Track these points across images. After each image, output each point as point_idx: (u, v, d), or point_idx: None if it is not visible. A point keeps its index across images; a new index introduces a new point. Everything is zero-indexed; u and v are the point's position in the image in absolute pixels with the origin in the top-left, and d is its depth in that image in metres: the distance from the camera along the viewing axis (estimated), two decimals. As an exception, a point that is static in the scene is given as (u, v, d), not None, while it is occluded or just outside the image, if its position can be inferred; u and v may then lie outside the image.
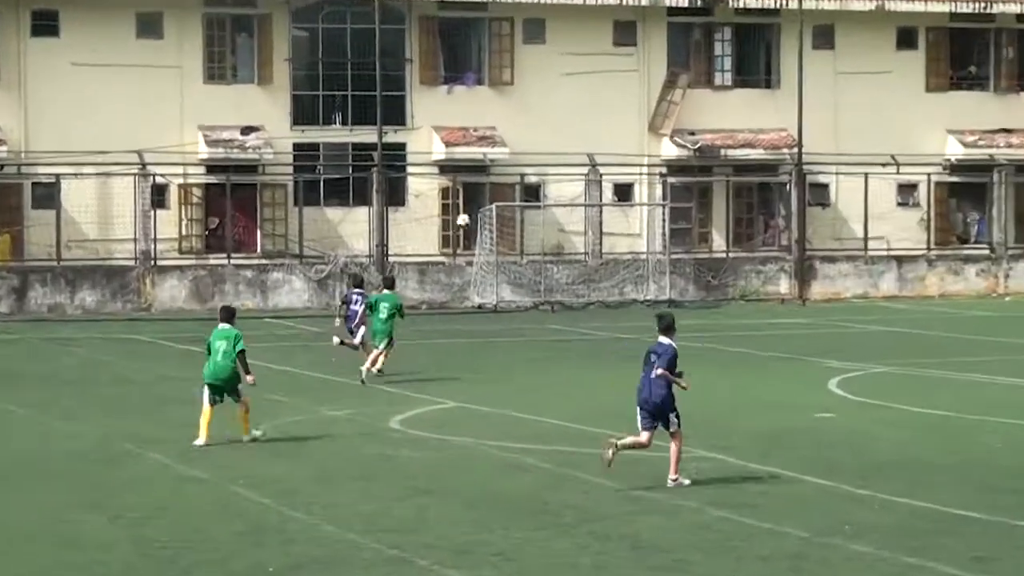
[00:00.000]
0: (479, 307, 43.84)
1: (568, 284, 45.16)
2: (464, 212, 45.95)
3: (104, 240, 43.73)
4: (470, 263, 44.84)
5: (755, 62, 49.44)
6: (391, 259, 44.55)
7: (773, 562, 13.10)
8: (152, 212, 43.40)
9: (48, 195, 43.48)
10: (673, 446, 16.58)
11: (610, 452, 16.47)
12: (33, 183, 43.71)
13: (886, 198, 48.77)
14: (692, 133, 47.71)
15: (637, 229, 47.26)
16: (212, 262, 44.12)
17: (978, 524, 14.44)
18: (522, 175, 46.41)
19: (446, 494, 16.21)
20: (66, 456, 18.91)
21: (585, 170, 46.41)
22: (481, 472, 17.51)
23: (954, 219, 50.48)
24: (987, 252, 49.17)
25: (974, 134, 49.45)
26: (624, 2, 46.86)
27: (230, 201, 44.70)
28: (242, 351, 19.55)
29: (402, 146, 46.37)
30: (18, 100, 43.57)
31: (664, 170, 47.98)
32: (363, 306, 27.10)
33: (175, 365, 29.22)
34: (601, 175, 46.57)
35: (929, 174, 48.93)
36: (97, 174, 43.54)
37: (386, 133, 44.76)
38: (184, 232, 44.65)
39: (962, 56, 50.44)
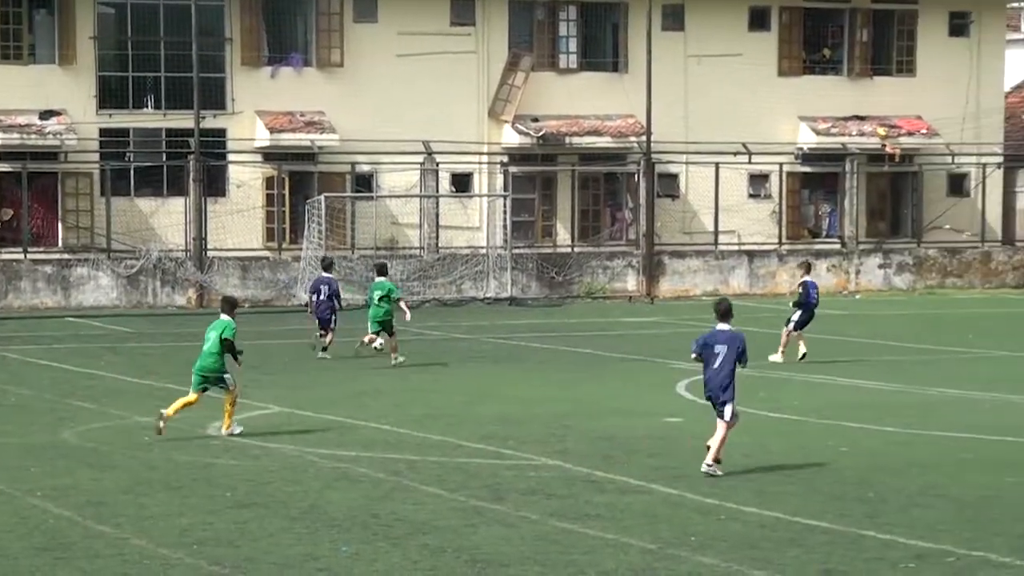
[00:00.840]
0: (306, 305, 43.55)
1: (402, 280, 45.12)
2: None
3: None
4: (297, 258, 44.62)
5: (602, 44, 49.91)
6: (210, 253, 44.15)
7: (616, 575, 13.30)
8: (-63, 202, 42.51)
9: None
10: (720, 429, 17.90)
11: (714, 468, 17.79)
12: None
13: (737, 189, 49.61)
14: (535, 119, 48.04)
15: (476, 222, 47.44)
16: (6, 257, 43.27)
17: (826, 534, 14.80)
18: (353, 164, 46.30)
19: (269, 505, 16.16)
20: None
21: (421, 159, 46.46)
22: (306, 482, 17.49)
23: (806, 211, 51.52)
24: (838, 246, 50.26)
25: (827, 121, 50.53)
26: (462, -21, 47.15)
27: (27, 191, 43.86)
28: (226, 339, 20.66)
29: (222, 132, 45.96)
30: None
31: (505, 159, 48.23)
32: (328, 295, 30.35)
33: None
34: (438, 164, 46.66)
35: (781, 164, 49.87)
36: None
37: (204, 118, 44.33)
38: (-27, 225, 43.82)
39: (816, 39, 51.52)
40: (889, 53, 51.87)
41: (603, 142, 48.41)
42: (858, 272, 49.22)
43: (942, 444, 20.31)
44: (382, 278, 30.01)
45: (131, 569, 13.44)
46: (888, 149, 50.22)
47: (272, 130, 45.57)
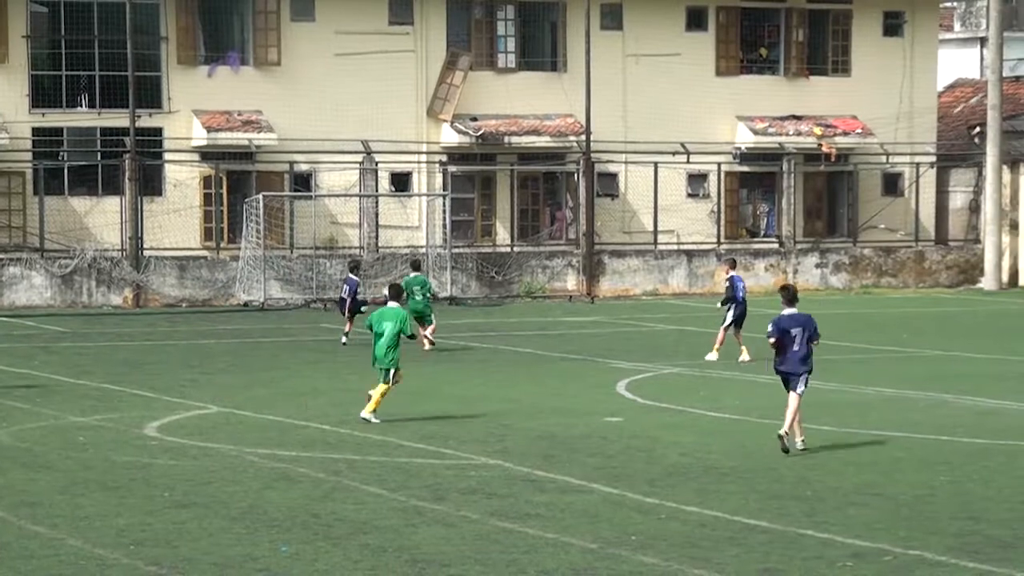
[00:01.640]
0: (245, 305, 43.49)
1: (342, 280, 45.01)
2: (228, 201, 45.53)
3: None
4: (235, 258, 44.44)
5: (540, 43, 49.99)
6: (147, 253, 43.90)
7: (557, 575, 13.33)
8: None
9: None
10: (794, 402, 19.46)
11: (796, 440, 19.29)
12: None
13: (676, 189, 49.79)
14: (474, 119, 48.06)
15: (416, 221, 47.41)
16: (-67, 256, 42.95)
17: (766, 533, 14.89)
18: (291, 163, 46.17)
19: (208, 506, 16.09)
20: None
21: (359, 158, 46.38)
22: (246, 482, 17.42)
23: (744, 211, 51.81)
24: (776, 246, 50.57)
25: (764, 121, 50.81)
26: (400, -22, 47.11)
27: (-43, 191, 43.55)
28: (405, 335, 21.88)
29: (158, 131, 45.72)
30: None
31: (444, 158, 48.22)
32: (349, 293, 32.88)
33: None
34: (377, 163, 46.60)
35: (719, 163, 50.11)
36: None
37: (139, 117, 44.08)
38: (-98, 225, 43.39)
39: (753, 38, 51.80)
40: (825, 53, 52.23)
41: (542, 141, 48.48)
42: (796, 271, 49.51)
43: (878, 443, 20.46)
44: (417, 272, 32.83)
45: (67, 570, 13.35)
46: (824, 149, 50.57)
47: (209, 129, 45.35)
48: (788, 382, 19.60)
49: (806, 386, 19.58)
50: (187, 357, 31.14)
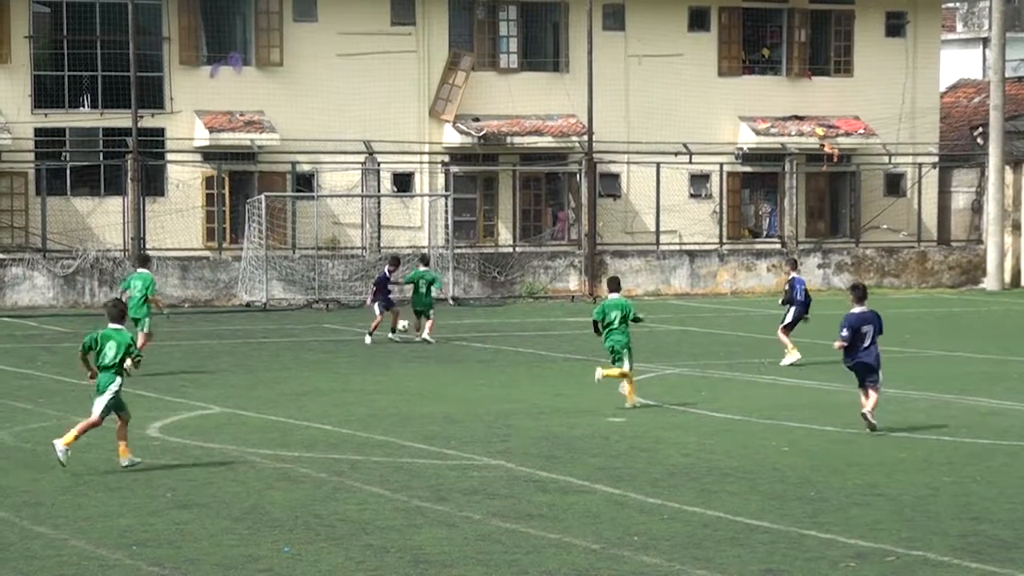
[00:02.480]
0: (247, 305, 43.50)
1: (344, 280, 45.07)
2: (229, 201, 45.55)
3: None
4: (237, 258, 44.45)
5: (542, 44, 50.00)
6: (149, 253, 43.85)
7: None
8: None
9: None
10: (875, 396, 20.74)
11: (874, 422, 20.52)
12: None
13: (678, 189, 49.80)
14: (476, 119, 48.05)
15: (418, 221, 47.42)
16: (-63, 256, 42.99)
17: (768, 534, 14.88)
18: (294, 163, 46.17)
19: (210, 506, 16.09)
20: None
21: (362, 158, 46.38)
22: (248, 482, 17.42)
23: (746, 211, 51.81)
24: (778, 246, 50.55)
25: (766, 121, 50.80)
26: (402, -21, 47.12)
27: (-40, 191, 43.58)
28: (637, 319, 23.69)
29: (160, 131, 45.74)
30: None
31: (446, 158, 48.22)
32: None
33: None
34: (379, 163, 46.59)
35: (722, 164, 50.10)
36: None
37: (141, 117, 44.11)
38: (-95, 224, 43.42)
39: (755, 39, 51.80)
40: (827, 53, 52.22)
41: (544, 142, 48.48)
42: (798, 272, 49.38)
43: (881, 443, 20.45)
44: (427, 268, 34.01)
45: (69, 570, 13.35)
46: (826, 149, 50.55)
47: (211, 129, 45.36)
48: (864, 378, 20.70)
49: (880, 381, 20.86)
50: (189, 357, 31.15)
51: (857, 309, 20.68)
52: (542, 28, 50.02)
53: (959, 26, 71.59)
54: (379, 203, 46.60)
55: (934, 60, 53.12)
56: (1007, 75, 52.51)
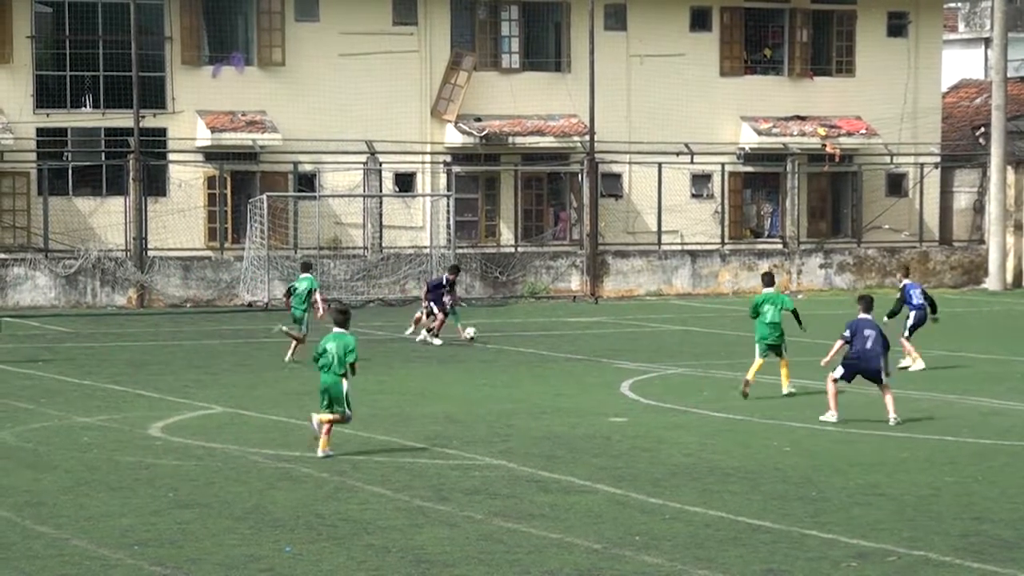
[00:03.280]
0: (249, 305, 43.49)
1: (346, 280, 45.07)
2: (233, 202, 45.52)
3: None
4: (239, 258, 44.45)
5: (544, 44, 49.98)
6: (151, 253, 43.93)
7: None
8: None
9: None
10: (888, 396, 22.00)
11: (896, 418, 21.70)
12: None
13: (680, 189, 49.79)
14: (478, 119, 48.05)
15: (420, 222, 47.41)
16: (-63, 256, 42.96)
17: (769, 534, 14.89)
18: (295, 163, 46.18)
19: (212, 506, 16.10)
20: None
21: (364, 158, 46.38)
22: (250, 482, 17.42)
23: (748, 211, 51.80)
24: (780, 246, 50.55)
25: (768, 121, 50.79)
26: (405, -21, 47.11)
27: (-39, 190, 43.56)
28: (791, 310, 24.70)
29: (162, 131, 45.74)
30: None
31: (448, 158, 48.22)
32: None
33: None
34: (381, 163, 46.59)
35: (723, 164, 50.08)
36: None
37: (143, 117, 44.12)
38: (-93, 224, 43.42)
39: (757, 39, 51.79)
40: (829, 53, 52.21)
41: (546, 142, 48.47)
42: (800, 272, 49.47)
43: (883, 444, 20.46)
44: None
45: (71, 570, 13.36)
46: (828, 149, 50.54)
47: (213, 129, 45.36)
48: (864, 374, 21.85)
49: (889, 375, 22.23)
50: (191, 357, 31.15)
51: (864, 316, 22.13)
52: (544, 28, 50.00)
53: (961, 26, 71.51)
54: (381, 203, 46.60)
55: (936, 60, 53.11)
56: (1009, 75, 52.50)
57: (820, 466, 18.67)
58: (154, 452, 19.54)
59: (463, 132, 47.69)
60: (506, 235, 48.62)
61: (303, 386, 26.31)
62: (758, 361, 24.78)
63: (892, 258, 51.01)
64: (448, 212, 46.08)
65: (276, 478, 17.74)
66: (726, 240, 50.06)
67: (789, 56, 51.83)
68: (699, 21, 50.73)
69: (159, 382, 26.61)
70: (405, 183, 47.91)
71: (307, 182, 46.50)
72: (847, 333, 22.00)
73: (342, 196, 46.39)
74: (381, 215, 46.46)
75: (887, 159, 51.80)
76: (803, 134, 50.82)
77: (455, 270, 34.97)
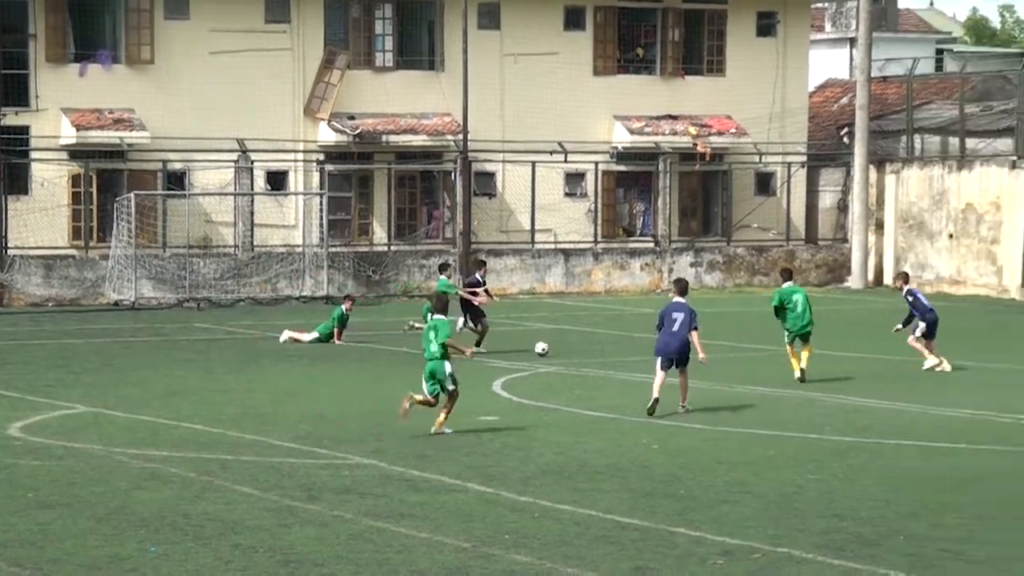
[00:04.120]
0: (115, 304, 42.92)
1: (216, 279, 44.65)
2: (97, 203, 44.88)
3: None
4: (105, 256, 43.85)
5: (418, 42, 49.88)
6: (11, 252, 43.20)
7: (429, 575, 13.29)
8: None
9: None
10: (683, 379, 22.61)
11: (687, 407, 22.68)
12: None
13: (553, 188, 49.96)
14: (351, 117, 47.86)
15: (292, 220, 47.11)
16: None
17: (638, 531, 14.98)
18: (164, 161, 45.66)
19: (74, 506, 15.87)
20: None
21: (235, 156, 45.98)
22: (114, 482, 17.19)
23: (621, 210, 52.11)
24: (652, 245, 50.91)
25: (640, 120, 51.11)
26: (277, -25, 46.78)
27: None
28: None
29: (25, 129, 44.97)
30: None
31: (321, 157, 47.98)
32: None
33: None
34: (252, 162, 46.22)
35: (596, 162, 50.33)
36: None
37: (5, 115, 43.38)
38: None
39: (630, 38, 52.10)
40: (700, 53, 52.64)
41: (419, 140, 48.40)
42: (671, 270, 49.79)
43: (749, 441, 20.67)
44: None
45: (-70, 575, 13.11)
46: (699, 148, 50.98)
47: (79, 127, 44.70)
48: (669, 361, 22.45)
49: (687, 364, 22.59)
50: (53, 356, 30.67)
51: (678, 299, 22.81)
52: (418, 27, 49.89)
53: (828, 26, 72.62)
54: (252, 201, 46.21)
55: (803, 60, 53.78)
56: (873, 75, 53.26)
57: (688, 464, 18.83)
58: (13, 452, 19.21)
59: (336, 130, 47.46)
60: (379, 233, 48.48)
61: (171, 385, 26.03)
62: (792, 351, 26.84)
63: (760, 257, 51.56)
64: (321, 211, 45.83)
65: (142, 478, 17.53)
66: (599, 239, 50.31)
67: (661, 55, 52.20)
68: (573, 20, 50.92)
69: (19, 381, 26.16)
70: (277, 181, 47.57)
71: (177, 180, 46.00)
72: (658, 320, 22.88)
73: (212, 194, 45.96)
74: (252, 214, 46.08)
75: (756, 158, 52.37)
76: (675, 133, 51.21)
77: (481, 264, 35.20)
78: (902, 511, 15.93)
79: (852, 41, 63.04)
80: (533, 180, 48.99)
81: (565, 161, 49.69)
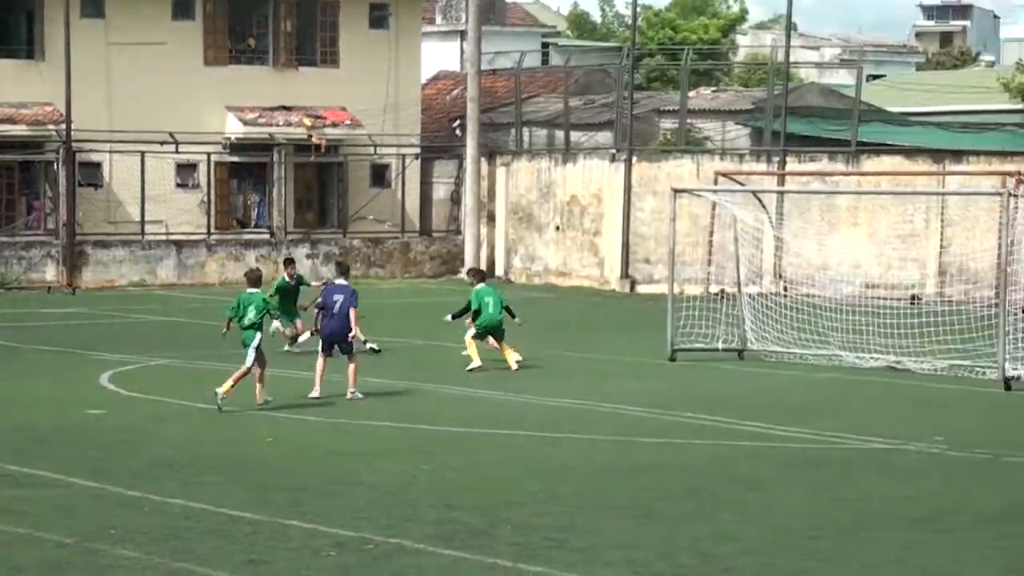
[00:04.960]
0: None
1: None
2: None
3: None
4: None
5: (17, 30, 48.35)
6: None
7: (29, 572, 12.91)
8: None
9: None
10: (351, 366, 22.98)
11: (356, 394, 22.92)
12: None
13: (165, 179, 49.07)
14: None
15: None
16: None
17: (251, 524, 14.83)
18: None
19: None
20: None
21: None
22: None
23: (235, 201, 51.59)
24: (267, 237, 50.60)
25: (254, 111, 50.69)
26: None
27: None
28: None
29: None
30: None
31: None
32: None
33: None
34: None
35: (209, 153, 49.68)
36: None
37: None
38: None
39: (241, 28, 51.60)
40: (313, 44, 52.53)
41: (18, 130, 46.86)
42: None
43: (366, 433, 20.78)
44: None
45: None
46: (314, 140, 50.89)
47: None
48: (330, 346, 22.85)
49: (352, 351, 22.93)
50: None
51: (340, 281, 23.21)
52: (16, 15, 48.31)
53: (439, 18, 73.53)
54: None
55: (415, 52, 54.25)
56: (483, 68, 54.12)
57: (303, 456, 18.76)
58: None
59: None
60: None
61: None
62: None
63: (376, 248, 51.83)
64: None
65: None
66: (213, 230, 49.67)
67: (274, 46, 51.86)
68: (181, 10, 50.08)
69: None
70: None
71: None
72: (320, 300, 23.24)
73: None
74: None
75: (371, 150, 52.59)
76: (289, 124, 50.97)
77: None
78: (510, 500, 16.20)
79: (462, 34, 64.03)
80: (143, 171, 48.02)
81: (176, 152, 48.86)
